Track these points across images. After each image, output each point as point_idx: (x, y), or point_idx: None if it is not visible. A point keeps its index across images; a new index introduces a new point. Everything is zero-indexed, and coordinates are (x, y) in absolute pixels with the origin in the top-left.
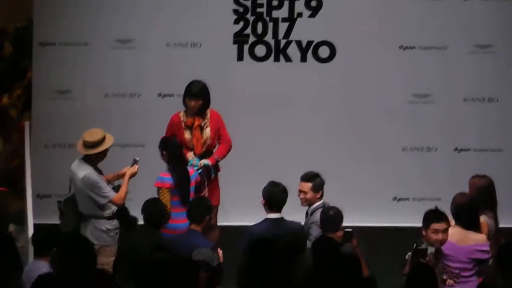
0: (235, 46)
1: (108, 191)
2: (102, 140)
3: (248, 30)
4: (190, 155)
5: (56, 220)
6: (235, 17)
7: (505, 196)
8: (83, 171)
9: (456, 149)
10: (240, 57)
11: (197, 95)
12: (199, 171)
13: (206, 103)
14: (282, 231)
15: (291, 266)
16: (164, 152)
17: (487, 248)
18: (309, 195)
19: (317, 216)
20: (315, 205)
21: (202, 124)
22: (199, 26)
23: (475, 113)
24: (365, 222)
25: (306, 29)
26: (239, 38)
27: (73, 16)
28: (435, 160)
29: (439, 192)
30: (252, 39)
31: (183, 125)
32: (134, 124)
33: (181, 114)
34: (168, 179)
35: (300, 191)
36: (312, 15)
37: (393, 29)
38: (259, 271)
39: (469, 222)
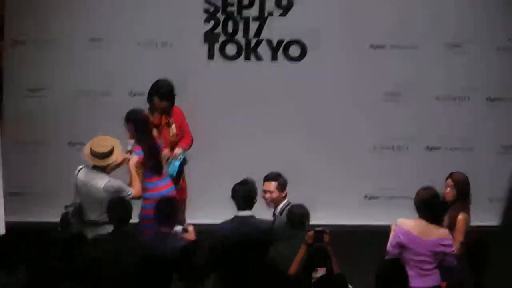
0: (206, 45)
1: (129, 189)
2: (112, 151)
3: (219, 29)
4: (166, 151)
5: (27, 218)
6: (205, 16)
7: (476, 194)
8: (101, 180)
9: (427, 147)
10: (210, 56)
11: (168, 97)
12: (180, 162)
13: (173, 103)
14: (250, 228)
15: (260, 262)
16: (130, 125)
17: (450, 242)
18: (275, 194)
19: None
20: (281, 204)
21: (169, 121)
22: (169, 24)
23: (446, 111)
24: (336, 221)
25: (277, 28)
26: (210, 37)
27: (44, 14)
28: (407, 159)
29: (410, 191)
30: (222, 38)
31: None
32: (105, 123)
33: (146, 113)
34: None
35: (265, 191)
36: (282, 14)
37: (363, 28)
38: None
39: (431, 216)
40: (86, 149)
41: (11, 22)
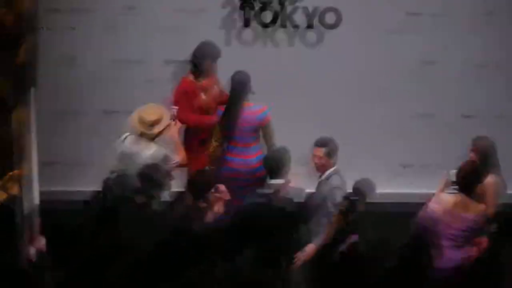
0: (241, 12)
1: (175, 158)
2: (160, 119)
3: None
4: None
5: (61, 187)
6: None
7: (509, 163)
8: (149, 148)
9: (462, 115)
10: (246, 23)
11: (218, 58)
12: None
13: None
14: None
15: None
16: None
17: (482, 218)
18: (324, 160)
19: (335, 180)
20: (328, 171)
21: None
22: None
23: (482, 79)
24: None
25: None
26: (246, 4)
27: None
28: (442, 126)
29: (445, 159)
30: (258, 5)
31: (199, 89)
32: (140, 91)
33: (192, 79)
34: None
35: (315, 155)
36: None
37: None
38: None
39: (472, 190)
40: (134, 117)
41: None
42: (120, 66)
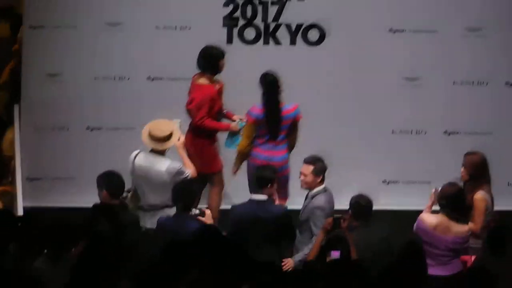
0: (225, 29)
1: (187, 170)
2: (171, 135)
3: (238, 13)
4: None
5: (45, 203)
6: (224, 0)
7: (495, 178)
8: (163, 163)
9: (445, 132)
10: (229, 40)
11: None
12: None
13: None
14: (264, 212)
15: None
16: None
17: (466, 239)
18: (309, 178)
19: (318, 200)
20: (316, 189)
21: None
22: (188, 8)
23: (465, 96)
24: None
25: (296, 12)
26: (229, 21)
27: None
28: (425, 143)
29: (428, 175)
30: (241, 22)
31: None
32: (123, 107)
33: (207, 82)
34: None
35: (301, 173)
36: None
37: (382, 12)
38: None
39: (455, 212)
40: (144, 133)
41: (30, 7)
42: (103, 82)
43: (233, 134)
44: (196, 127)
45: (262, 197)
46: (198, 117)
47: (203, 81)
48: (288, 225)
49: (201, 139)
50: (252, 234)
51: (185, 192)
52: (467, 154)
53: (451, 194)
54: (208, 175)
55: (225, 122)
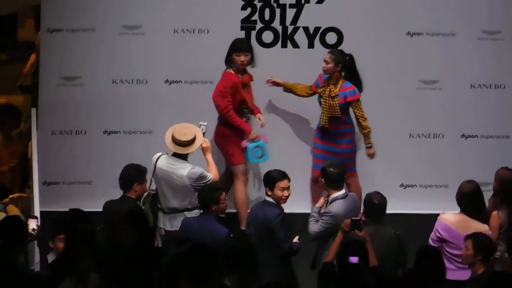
0: (243, 32)
1: (209, 175)
2: (194, 139)
3: (256, 16)
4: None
5: (62, 208)
6: (242, 3)
7: None
8: (184, 168)
9: (463, 135)
10: None
11: (247, 49)
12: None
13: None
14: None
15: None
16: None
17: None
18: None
19: (333, 206)
20: (335, 194)
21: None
22: (206, 12)
23: (482, 99)
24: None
25: (314, 16)
26: (247, 24)
27: (80, 2)
28: (442, 147)
29: (446, 179)
30: (259, 25)
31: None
32: (141, 110)
33: (233, 73)
34: None
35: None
36: (319, 1)
37: (400, 15)
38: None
39: (472, 210)
40: (167, 137)
41: (47, 11)
42: (121, 86)
43: (255, 147)
44: (221, 116)
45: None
46: (223, 106)
47: (228, 70)
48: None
49: (225, 128)
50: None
51: (210, 194)
52: (501, 168)
53: (468, 191)
54: (231, 167)
55: (248, 125)
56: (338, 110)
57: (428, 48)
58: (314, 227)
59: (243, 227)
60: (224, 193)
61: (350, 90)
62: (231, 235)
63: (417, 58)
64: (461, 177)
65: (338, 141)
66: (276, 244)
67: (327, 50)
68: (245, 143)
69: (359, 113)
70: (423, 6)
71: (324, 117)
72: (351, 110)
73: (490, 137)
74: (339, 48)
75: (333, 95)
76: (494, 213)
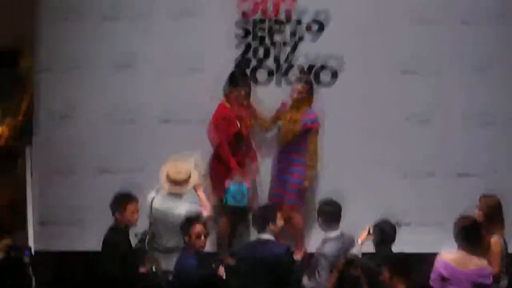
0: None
1: (204, 213)
2: (189, 176)
3: (250, 54)
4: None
5: (57, 247)
6: (236, 41)
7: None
8: (181, 206)
9: (458, 173)
10: None
11: (245, 84)
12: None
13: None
14: (264, 252)
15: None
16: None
17: (488, 272)
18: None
19: (326, 247)
20: (328, 235)
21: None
22: (200, 50)
23: (476, 136)
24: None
25: (308, 53)
26: (241, 63)
27: (73, 41)
28: (437, 185)
29: (440, 217)
30: (253, 63)
31: (234, 117)
32: (133, 149)
33: (228, 105)
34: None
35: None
36: (313, 39)
37: (393, 53)
38: None
39: (471, 245)
40: (162, 176)
41: (39, 50)
42: (114, 124)
43: (236, 190)
44: (215, 147)
45: (267, 236)
46: (214, 138)
47: (223, 102)
48: (288, 266)
49: (216, 161)
50: (254, 274)
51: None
52: (483, 196)
53: (466, 226)
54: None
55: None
56: (296, 135)
57: (421, 85)
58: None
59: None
60: (199, 225)
61: (311, 118)
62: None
63: (410, 95)
64: (454, 215)
65: (291, 169)
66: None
67: (321, 87)
68: (228, 183)
69: (312, 144)
70: (415, 44)
71: (281, 142)
72: None
73: (486, 175)
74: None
75: (294, 119)
76: (495, 238)
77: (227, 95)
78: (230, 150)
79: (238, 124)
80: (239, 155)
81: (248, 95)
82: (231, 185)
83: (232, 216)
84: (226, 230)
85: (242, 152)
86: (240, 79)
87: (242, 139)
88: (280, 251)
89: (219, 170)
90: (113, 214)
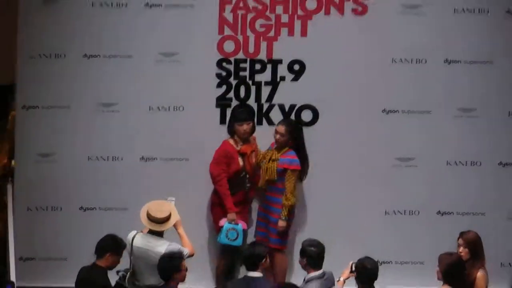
0: (218, 109)
1: (186, 250)
2: (170, 215)
3: (231, 94)
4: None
5: (38, 283)
6: (218, 80)
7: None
8: (161, 245)
9: (439, 212)
10: (223, 121)
11: (249, 118)
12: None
13: (254, 125)
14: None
15: None
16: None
17: None
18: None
19: (310, 286)
20: (311, 274)
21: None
22: (182, 89)
23: (457, 176)
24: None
25: (289, 93)
26: (222, 102)
27: (56, 79)
28: (418, 224)
29: (421, 256)
30: (234, 102)
31: (237, 153)
32: (117, 187)
33: (232, 142)
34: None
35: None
36: (295, 79)
37: (376, 92)
38: None
39: (458, 282)
40: (143, 215)
41: (22, 88)
42: (97, 162)
43: (230, 228)
44: (214, 182)
45: (256, 274)
46: (215, 173)
47: (227, 139)
48: None
49: (215, 196)
50: None
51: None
52: (463, 233)
53: (451, 262)
54: None
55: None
56: (275, 174)
57: (404, 125)
58: None
59: None
60: (183, 261)
61: (291, 159)
62: None
63: (393, 135)
64: (437, 253)
65: (271, 209)
66: None
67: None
68: (223, 221)
69: (288, 184)
70: (398, 84)
71: (262, 180)
72: None
73: (466, 213)
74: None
75: (274, 158)
76: (480, 273)
77: (231, 132)
78: (230, 188)
79: (241, 162)
80: (240, 193)
81: (252, 130)
82: (226, 223)
83: (227, 254)
84: (221, 268)
85: (245, 190)
86: (243, 113)
87: (245, 177)
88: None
89: (216, 207)
90: (96, 256)
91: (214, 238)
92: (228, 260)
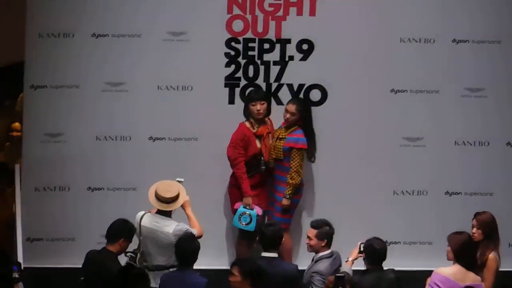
0: (226, 89)
1: (194, 231)
2: (178, 195)
3: (240, 73)
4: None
5: (46, 264)
6: (226, 60)
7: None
8: (169, 225)
9: (446, 192)
10: (231, 101)
11: (262, 98)
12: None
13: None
14: (275, 270)
15: None
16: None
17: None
18: (313, 241)
19: (320, 265)
20: (321, 254)
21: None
22: (190, 69)
23: (465, 156)
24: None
25: (298, 72)
26: (231, 81)
27: (64, 59)
28: (426, 204)
29: (429, 236)
30: (243, 82)
31: (254, 136)
32: (125, 167)
33: (248, 125)
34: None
35: (307, 235)
36: (303, 59)
37: (384, 72)
38: None
39: (468, 260)
40: (151, 194)
41: (30, 67)
42: (105, 142)
43: (244, 213)
44: (231, 165)
45: (273, 254)
46: (232, 157)
47: (243, 122)
48: (298, 285)
49: (233, 178)
50: None
51: (187, 247)
52: (478, 214)
53: (463, 242)
54: None
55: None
56: (281, 153)
57: (412, 105)
58: None
59: None
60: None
61: (297, 138)
62: None
63: (401, 115)
64: (445, 234)
65: (277, 187)
66: None
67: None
68: (238, 205)
69: (293, 163)
70: (406, 63)
71: (270, 159)
72: None
73: (474, 194)
74: (323, 104)
75: (281, 137)
76: (492, 255)
77: (249, 113)
78: (247, 171)
79: (258, 145)
80: (257, 176)
81: (268, 111)
82: (240, 207)
83: (243, 239)
84: (241, 251)
85: (260, 173)
86: (256, 92)
87: (261, 159)
88: (292, 269)
89: (234, 189)
90: (107, 241)
91: (228, 218)
92: (244, 243)
